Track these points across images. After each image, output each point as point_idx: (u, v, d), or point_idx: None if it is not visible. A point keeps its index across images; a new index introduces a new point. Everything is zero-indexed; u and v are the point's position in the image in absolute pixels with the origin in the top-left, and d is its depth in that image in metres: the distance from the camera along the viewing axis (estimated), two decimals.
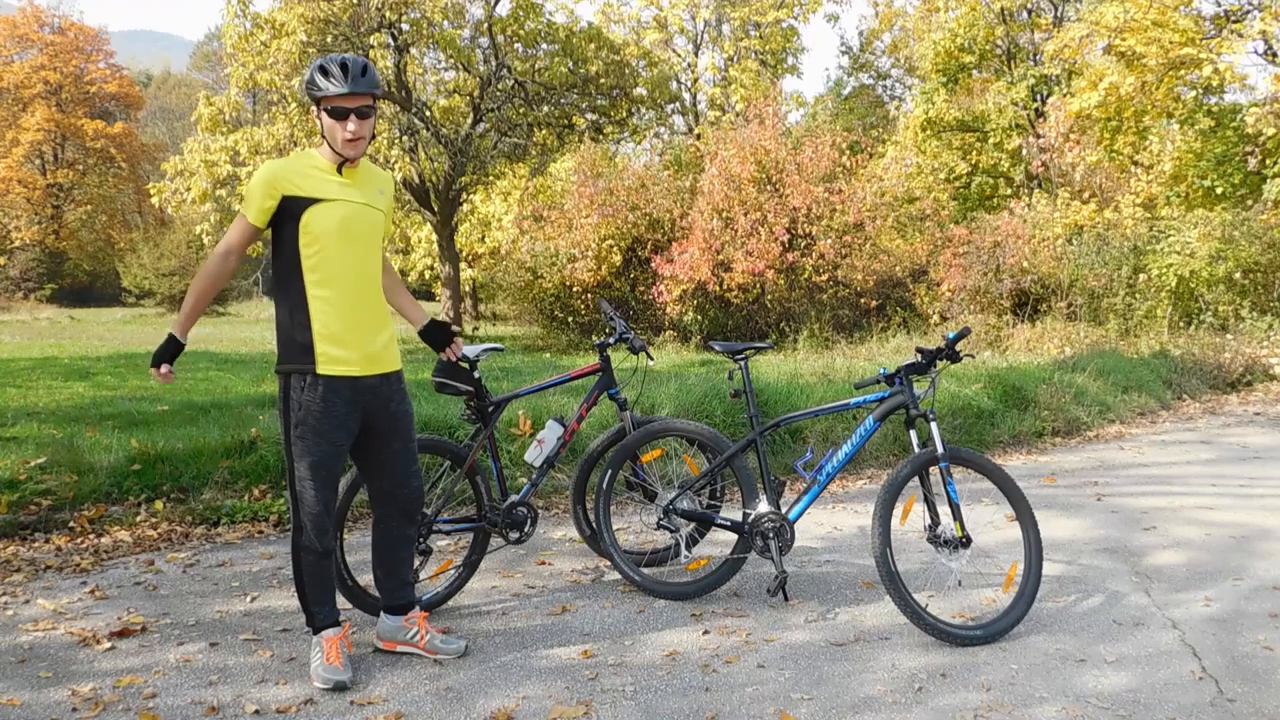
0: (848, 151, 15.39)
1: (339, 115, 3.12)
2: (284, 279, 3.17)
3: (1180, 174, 16.31)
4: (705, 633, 3.66)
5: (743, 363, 4.09)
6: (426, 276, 31.56)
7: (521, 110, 19.63)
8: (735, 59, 28.11)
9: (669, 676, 3.25)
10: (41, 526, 4.91)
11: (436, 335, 3.64)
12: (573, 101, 20.05)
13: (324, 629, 3.26)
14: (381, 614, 3.51)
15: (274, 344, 3.26)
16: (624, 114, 21.02)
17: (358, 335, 3.20)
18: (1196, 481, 6.43)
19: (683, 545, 4.16)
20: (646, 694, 3.12)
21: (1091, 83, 16.09)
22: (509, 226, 21.99)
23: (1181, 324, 13.57)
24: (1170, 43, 14.52)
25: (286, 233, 3.13)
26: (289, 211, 3.12)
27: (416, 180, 19.47)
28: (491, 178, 21.46)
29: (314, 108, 3.17)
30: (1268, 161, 15.04)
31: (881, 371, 3.85)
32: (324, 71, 3.14)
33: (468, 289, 29.73)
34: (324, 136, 3.18)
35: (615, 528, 4.34)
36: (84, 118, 43.65)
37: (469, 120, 19.62)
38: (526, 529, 4.05)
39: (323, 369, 3.15)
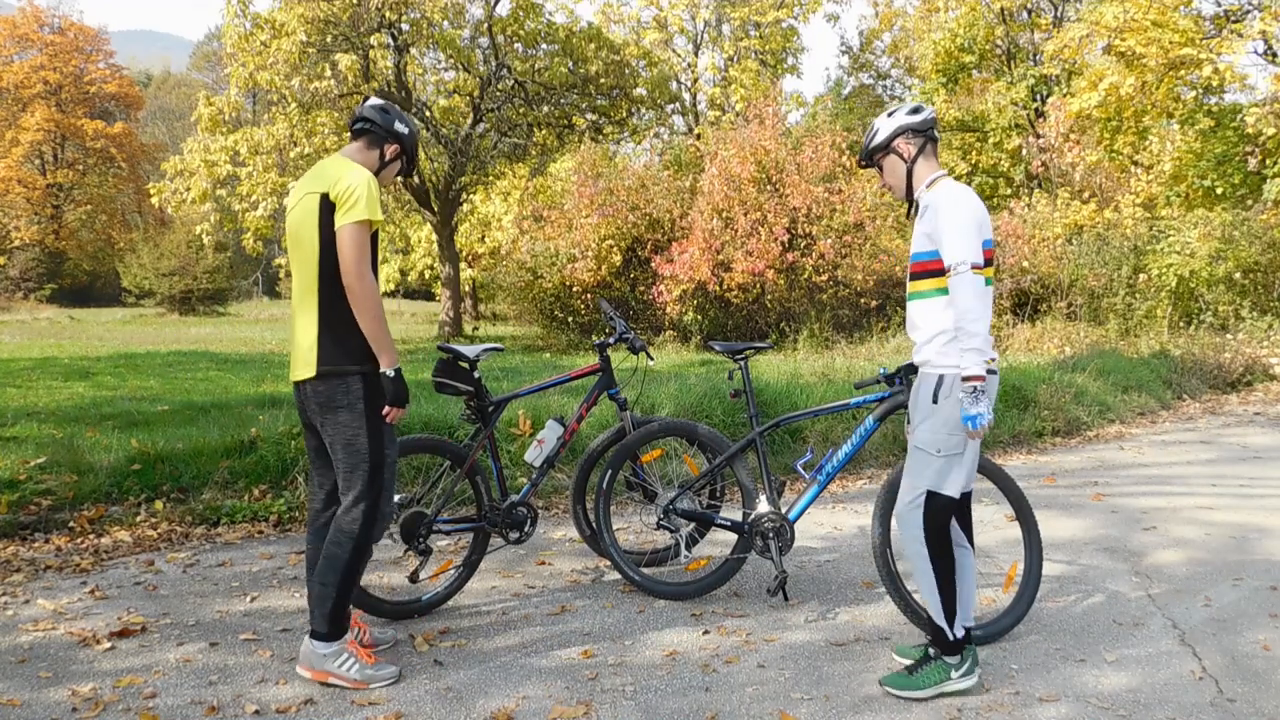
0: (847, 151, 15.39)
1: (403, 173, 3.46)
2: (338, 282, 3.10)
3: (1180, 174, 16.32)
4: (705, 633, 3.66)
5: (743, 363, 4.09)
6: (426, 276, 31.62)
7: (521, 110, 19.64)
8: (735, 59, 28.13)
9: (669, 676, 3.25)
10: (41, 526, 4.91)
11: None
12: (573, 101, 20.07)
13: (346, 631, 3.22)
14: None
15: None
16: (624, 114, 21.04)
17: None
18: (1196, 481, 6.43)
19: (683, 545, 4.16)
20: (646, 694, 3.12)
21: (1091, 83, 16.09)
22: (509, 226, 22.00)
23: (1181, 324, 13.57)
24: (1170, 43, 14.52)
25: None
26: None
27: (416, 180, 19.49)
28: (491, 178, 21.48)
29: (395, 146, 3.33)
30: (1268, 161, 15.04)
31: (881, 371, 3.85)
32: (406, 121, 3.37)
33: (468, 289, 29.75)
34: (378, 169, 3.31)
35: (615, 528, 4.34)
36: (84, 118, 43.68)
37: (469, 120, 19.64)
38: (526, 529, 4.05)
39: (386, 367, 3.17)
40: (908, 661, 3.35)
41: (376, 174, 3.31)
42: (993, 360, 3.07)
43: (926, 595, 3.15)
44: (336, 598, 3.14)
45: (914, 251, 3.18)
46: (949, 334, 3.05)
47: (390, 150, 3.34)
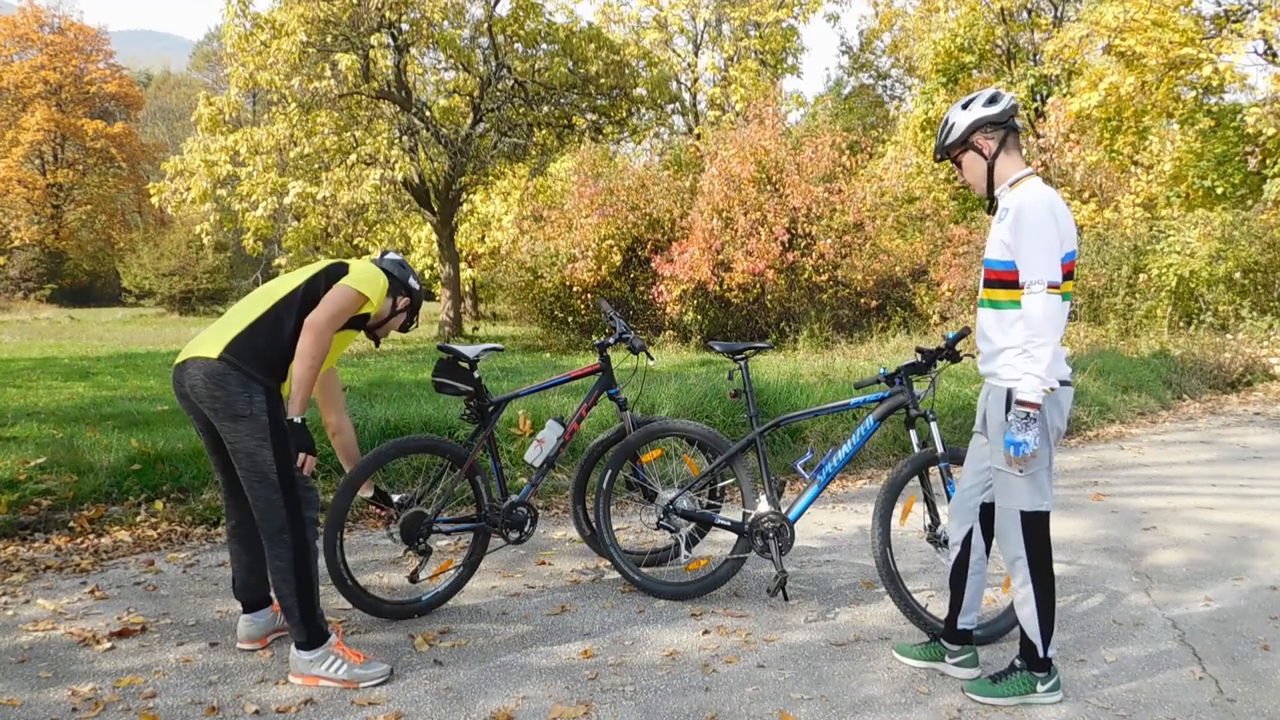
0: (848, 151, 15.39)
1: (411, 321, 3.64)
2: (297, 321, 3.19)
3: (1180, 174, 16.31)
4: (705, 633, 3.66)
5: (743, 363, 4.09)
6: (426, 276, 31.59)
7: (521, 110, 19.63)
8: (735, 59, 28.13)
9: (669, 676, 3.25)
10: (41, 526, 4.91)
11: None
12: (573, 101, 20.06)
13: (329, 634, 3.23)
14: (244, 618, 3.47)
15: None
16: (624, 114, 21.03)
17: None
18: (1196, 481, 6.43)
19: (683, 545, 4.16)
20: (646, 694, 3.12)
21: (1091, 83, 16.09)
22: (509, 226, 21.98)
23: (1181, 324, 13.57)
24: (1170, 43, 14.52)
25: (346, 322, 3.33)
26: (361, 317, 3.39)
27: (416, 180, 19.48)
28: (491, 178, 21.47)
29: (400, 294, 3.52)
30: (1268, 161, 15.04)
31: (881, 371, 3.85)
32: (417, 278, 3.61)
33: (468, 289, 29.75)
34: (387, 317, 3.50)
35: (615, 528, 4.34)
36: (84, 118, 43.66)
37: (469, 120, 19.63)
38: (526, 529, 4.05)
39: (295, 414, 3.22)
40: (910, 661, 3.35)
41: (384, 321, 3.52)
42: (1068, 373, 3.00)
43: (1023, 612, 3.06)
44: (300, 605, 3.15)
45: (991, 257, 2.99)
46: (1020, 349, 2.88)
47: (402, 302, 3.54)
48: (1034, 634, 3.05)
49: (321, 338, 3.14)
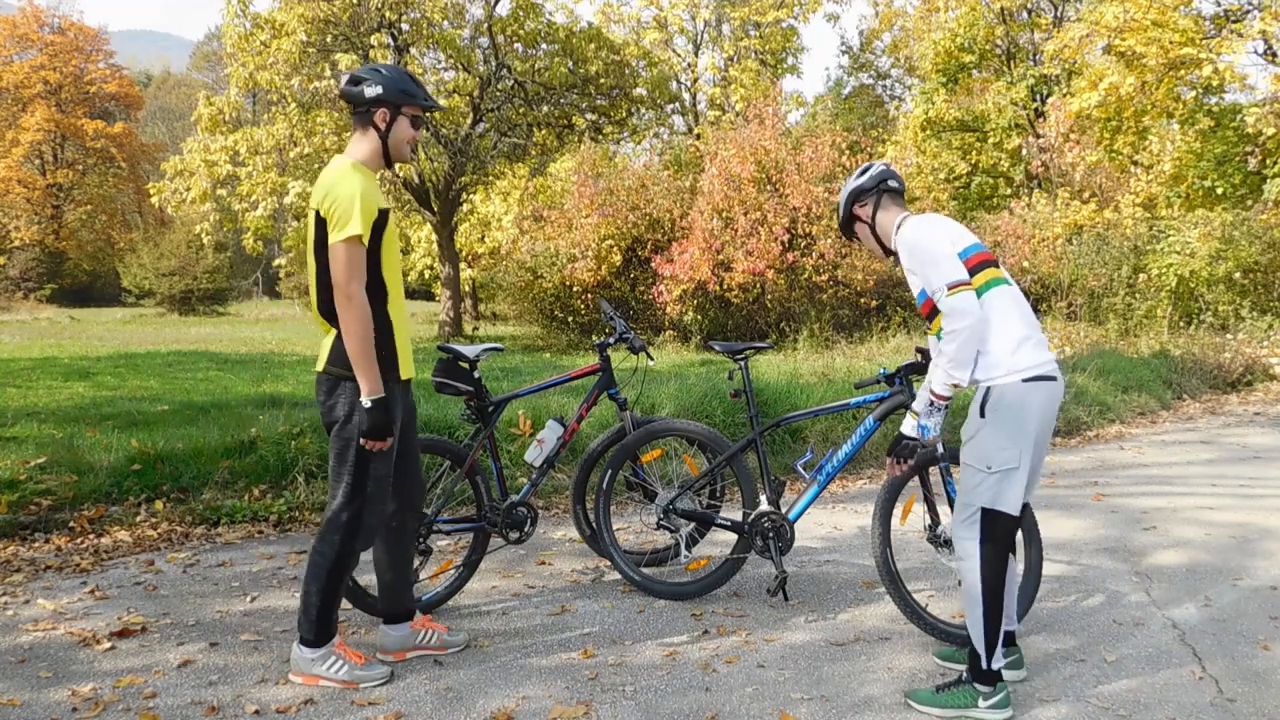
0: (848, 151, 15.39)
1: (417, 124, 3.23)
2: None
3: (1180, 174, 16.31)
4: (705, 633, 3.66)
5: (743, 363, 4.09)
6: (426, 276, 31.60)
7: (521, 110, 19.64)
8: (735, 59, 28.13)
9: (669, 676, 3.25)
10: (41, 526, 4.91)
11: None
12: (573, 101, 20.06)
13: (333, 635, 3.23)
14: (383, 627, 3.45)
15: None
16: (624, 114, 21.03)
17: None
18: (1196, 481, 6.43)
19: (683, 545, 4.16)
20: (646, 694, 3.12)
21: (1091, 83, 16.09)
22: (509, 226, 21.99)
23: (1181, 324, 13.57)
24: (1170, 43, 14.51)
25: (370, 247, 3.04)
26: (378, 225, 3.05)
27: (416, 180, 19.48)
28: (491, 178, 21.47)
29: (381, 110, 3.10)
30: (1268, 161, 15.04)
31: (881, 371, 3.85)
32: (414, 81, 3.22)
33: (468, 289, 29.74)
34: (383, 138, 3.13)
35: (615, 528, 4.34)
36: (84, 118, 43.70)
37: (469, 120, 19.63)
38: (526, 529, 4.05)
39: (405, 373, 3.25)
40: (953, 666, 3.31)
41: (387, 147, 3.15)
42: (1045, 366, 3.04)
43: (970, 617, 2.99)
44: (321, 605, 3.14)
45: (916, 296, 3.19)
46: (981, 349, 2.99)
47: (381, 116, 3.10)
48: (978, 640, 2.96)
49: (349, 306, 2.97)
